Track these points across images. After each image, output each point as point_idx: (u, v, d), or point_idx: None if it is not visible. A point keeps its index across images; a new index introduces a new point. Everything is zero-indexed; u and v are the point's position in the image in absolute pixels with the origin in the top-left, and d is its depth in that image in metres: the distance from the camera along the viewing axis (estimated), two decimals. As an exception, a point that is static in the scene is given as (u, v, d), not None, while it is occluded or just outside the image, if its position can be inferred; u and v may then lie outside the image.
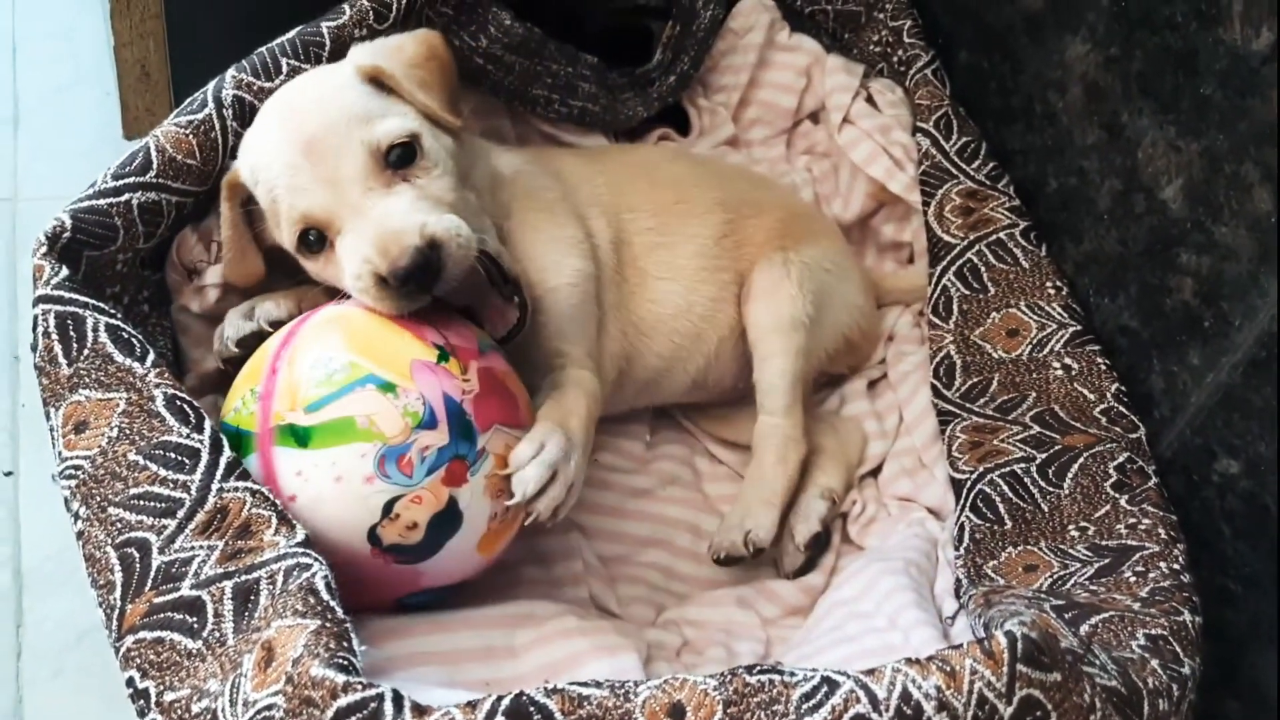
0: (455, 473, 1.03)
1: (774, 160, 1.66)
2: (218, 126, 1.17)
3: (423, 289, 1.06)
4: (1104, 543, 1.18)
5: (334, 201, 1.08)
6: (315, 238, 1.10)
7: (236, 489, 0.97)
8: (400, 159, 1.10)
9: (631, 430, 1.42)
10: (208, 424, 1.01)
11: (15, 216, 1.65)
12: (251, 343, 1.13)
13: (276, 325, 1.13)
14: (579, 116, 1.53)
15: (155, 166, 1.13)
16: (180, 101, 1.50)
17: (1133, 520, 1.19)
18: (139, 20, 1.42)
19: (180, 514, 0.96)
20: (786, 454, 1.35)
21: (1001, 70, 1.55)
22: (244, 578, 0.92)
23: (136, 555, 0.94)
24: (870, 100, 1.63)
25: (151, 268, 1.18)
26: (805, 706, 0.80)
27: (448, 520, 1.04)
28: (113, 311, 1.05)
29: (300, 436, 1.01)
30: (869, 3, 1.69)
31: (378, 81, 1.15)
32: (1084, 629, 1.01)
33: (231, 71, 1.20)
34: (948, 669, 0.81)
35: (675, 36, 1.59)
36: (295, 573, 0.90)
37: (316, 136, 1.09)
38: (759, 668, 0.82)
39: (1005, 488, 1.25)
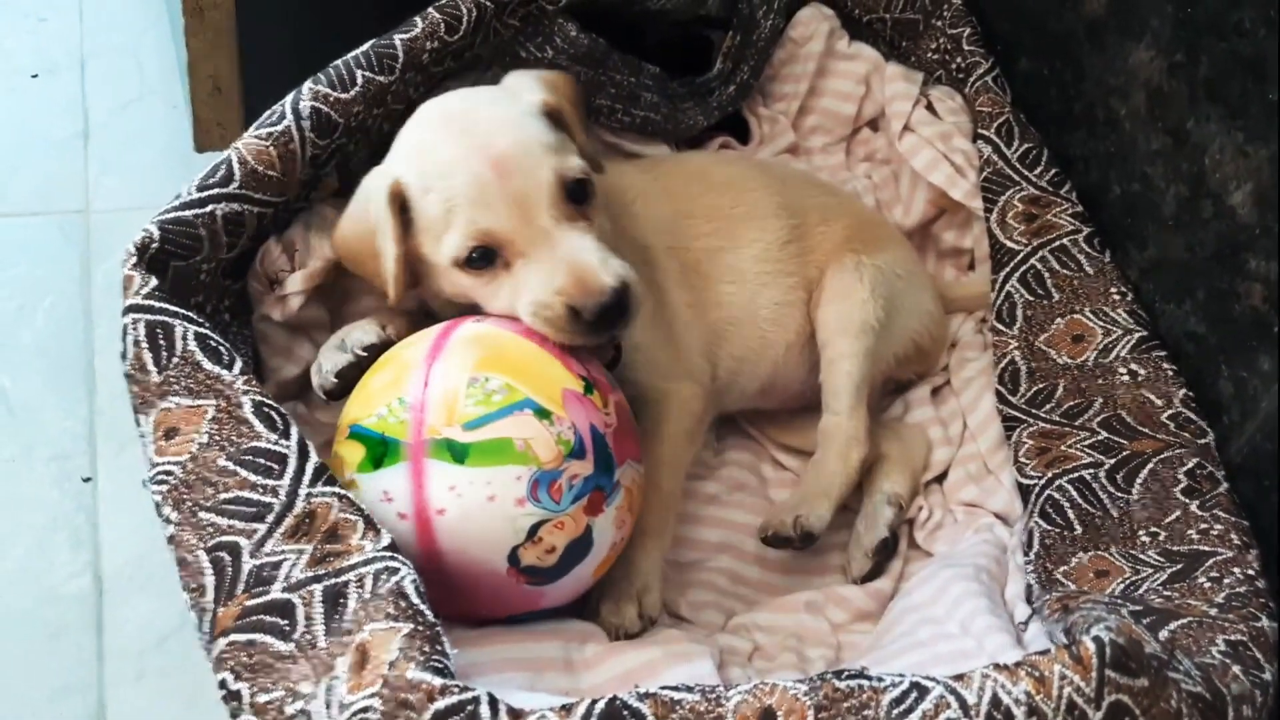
0: (595, 503, 1.07)
1: (834, 168, 1.67)
2: (296, 138, 1.19)
3: (610, 327, 1.10)
4: (1176, 548, 1.18)
5: (521, 223, 1.10)
6: (481, 255, 1.12)
7: (324, 494, 0.99)
8: (580, 195, 1.13)
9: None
10: (294, 430, 1.03)
11: (89, 228, 1.68)
12: (350, 374, 1.16)
13: (371, 351, 1.16)
14: (641, 126, 1.54)
15: (238, 178, 1.16)
16: (251, 116, 1.54)
17: (1204, 526, 1.19)
18: (212, 36, 1.45)
19: (270, 518, 0.98)
20: (848, 452, 1.35)
21: (1063, 77, 1.55)
22: (333, 581, 0.93)
23: (228, 559, 0.96)
24: (930, 108, 1.64)
25: (232, 277, 1.20)
26: (896, 712, 0.81)
27: (582, 547, 1.07)
28: (200, 320, 1.07)
29: (457, 453, 1.03)
30: (927, 10, 1.69)
31: (554, 116, 1.18)
32: (1163, 634, 1.01)
33: (309, 84, 1.22)
34: (1037, 675, 0.81)
35: (735, 46, 1.60)
36: (384, 576, 0.92)
37: (508, 155, 1.11)
38: (847, 673, 0.83)
39: (1074, 493, 1.25)
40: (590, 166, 1.18)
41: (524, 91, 1.19)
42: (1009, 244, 1.49)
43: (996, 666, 0.82)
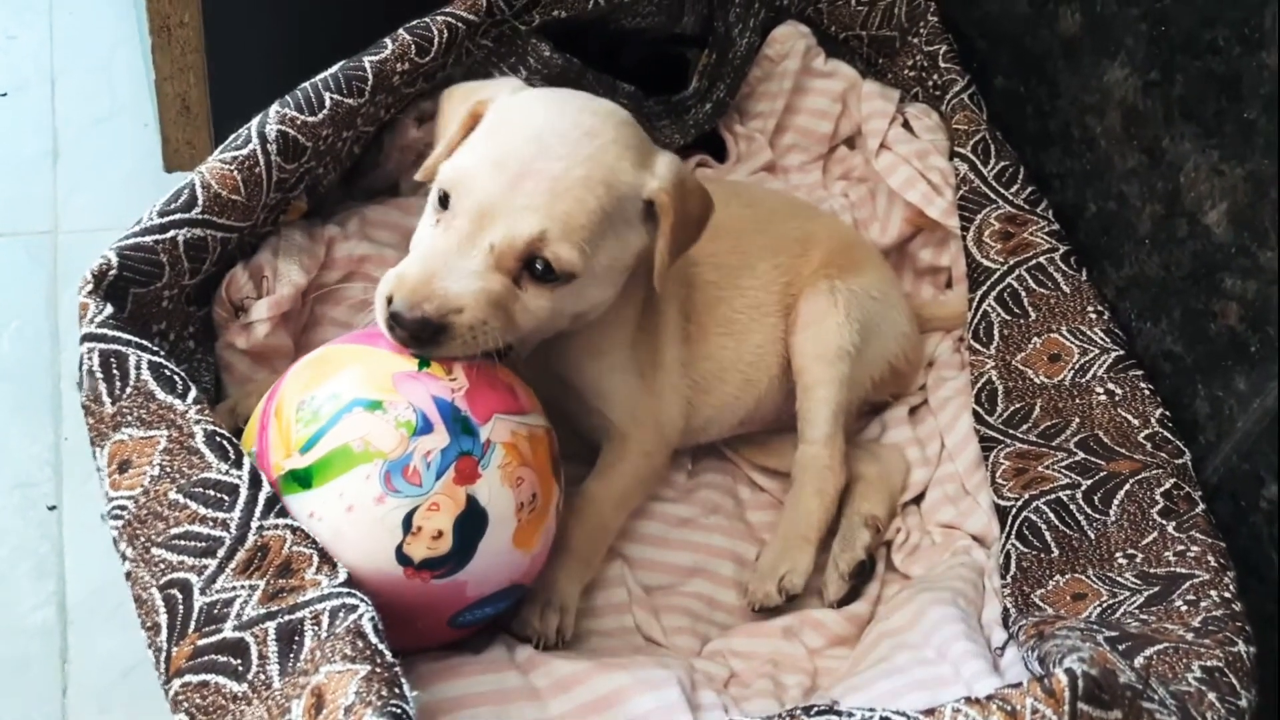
0: (465, 470, 1.02)
1: (811, 186, 1.66)
2: (262, 162, 1.17)
3: (418, 343, 1.05)
4: (1153, 570, 1.17)
5: (474, 215, 1.06)
6: (444, 200, 1.08)
7: (276, 526, 0.97)
8: (541, 273, 1.08)
9: (674, 459, 1.41)
10: (247, 460, 1.01)
11: (56, 249, 1.66)
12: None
13: None
14: (616, 146, 1.53)
15: (201, 203, 1.14)
16: (221, 135, 1.53)
17: (1181, 548, 1.18)
18: (180, 54, 1.43)
19: (221, 553, 0.96)
20: (824, 485, 1.34)
21: (1038, 95, 1.55)
22: (287, 618, 0.91)
23: (179, 596, 0.94)
24: (907, 125, 1.63)
25: (197, 304, 1.18)
26: (864, 747, 0.79)
27: (472, 520, 1.02)
28: (155, 349, 1.05)
29: (302, 479, 1.00)
30: (903, 28, 1.68)
31: (646, 205, 1.15)
32: (1138, 661, 1.00)
33: (275, 107, 1.20)
34: (1009, 709, 0.80)
35: (711, 64, 1.59)
36: (341, 614, 0.90)
37: (539, 179, 1.07)
38: (816, 708, 0.81)
39: (1051, 515, 1.24)
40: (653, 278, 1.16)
41: (633, 170, 1.13)
42: (985, 262, 1.49)
43: (968, 700, 0.81)
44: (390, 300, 1.05)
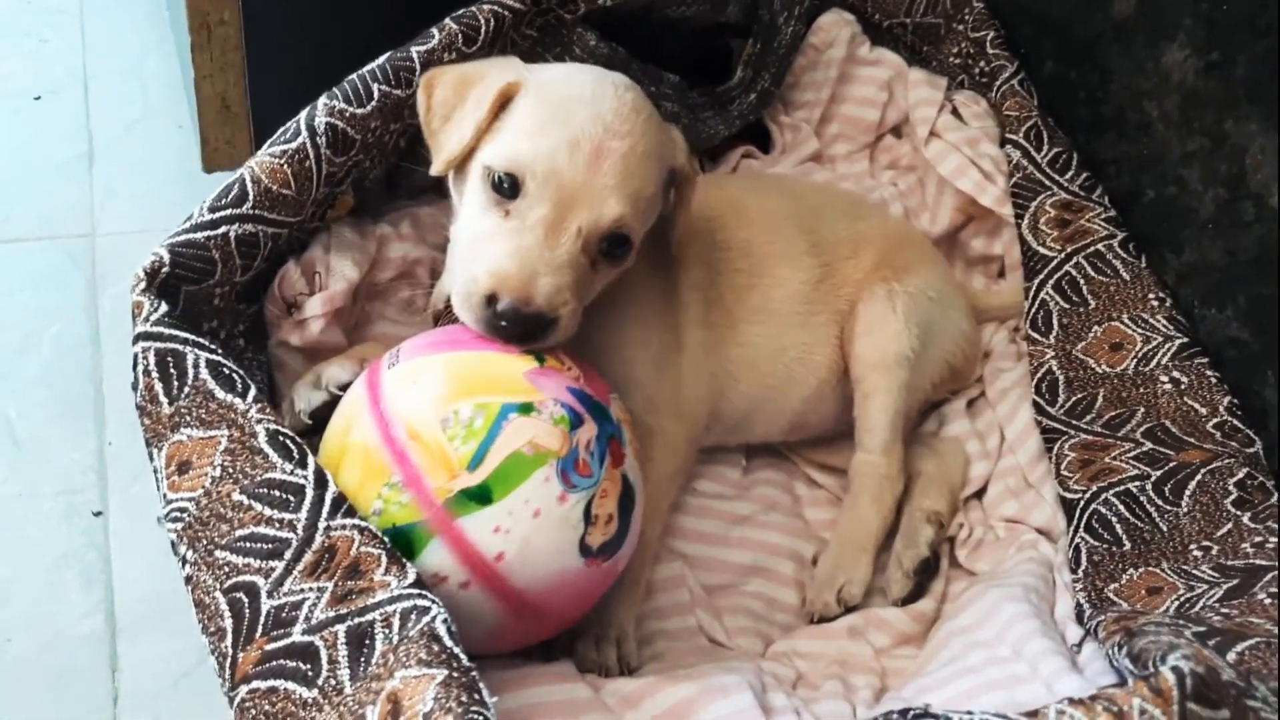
0: (616, 452, 1.04)
1: (858, 176, 1.63)
2: (311, 155, 1.15)
3: (519, 339, 1.04)
4: (1230, 563, 1.14)
5: (555, 201, 1.05)
6: (509, 185, 1.06)
7: (344, 526, 0.95)
8: (614, 251, 1.09)
9: (728, 456, 1.39)
10: (311, 459, 0.98)
11: (94, 253, 1.64)
12: (324, 413, 1.10)
13: (345, 389, 1.09)
14: (661, 137, 1.50)
15: (251, 197, 1.11)
16: (260, 133, 1.51)
17: (1259, 539, 1.15)
18: (219, 53, 1.40)
19: (287, 555, 0.93)
20: (882, 493, 1.31)
21: (1090, 80, 1.51)
22: (357, 620, 0.89)
23: (245, 600, 0.92)
24: (955, 113, 1.60)
25: (247, 301, 1.16)
26: (967, 751, 0.76)
27: (628, 500, 1.05)
28: (213, 347, 1.02)
29: (480, 495, 0.97)
30: (948, 14, 1.65)
31: (676, 173, 1.15)
32: (1230, 657, 0.96)
33: (324, 99, 1.18)
34: (1115, 709, 0.77)
35: (756, 53, 1.56)
36: (414, 617, 0.87)
37: (613, 158, 1.06)
38: (913, 712, 0.78)
39: (1121, 507, 1.21)
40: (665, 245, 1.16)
41: (665, 139, 1.14)
42: (1042, 250, 1.45)
43: (1072, 701, 0.78)
44: (491, 299, 1.03)
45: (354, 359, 1.15)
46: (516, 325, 1.03)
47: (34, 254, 1.63)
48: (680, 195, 1.17)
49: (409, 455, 0.98)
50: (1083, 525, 1.22)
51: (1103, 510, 1.22)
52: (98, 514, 1.37)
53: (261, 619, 0.90)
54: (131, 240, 1.65)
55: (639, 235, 1.11)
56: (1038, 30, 1.60)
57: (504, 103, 1.10)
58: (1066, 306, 1.41)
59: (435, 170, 1.13)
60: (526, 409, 1.00)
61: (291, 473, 0.97)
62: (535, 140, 1.06)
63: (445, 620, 0.86)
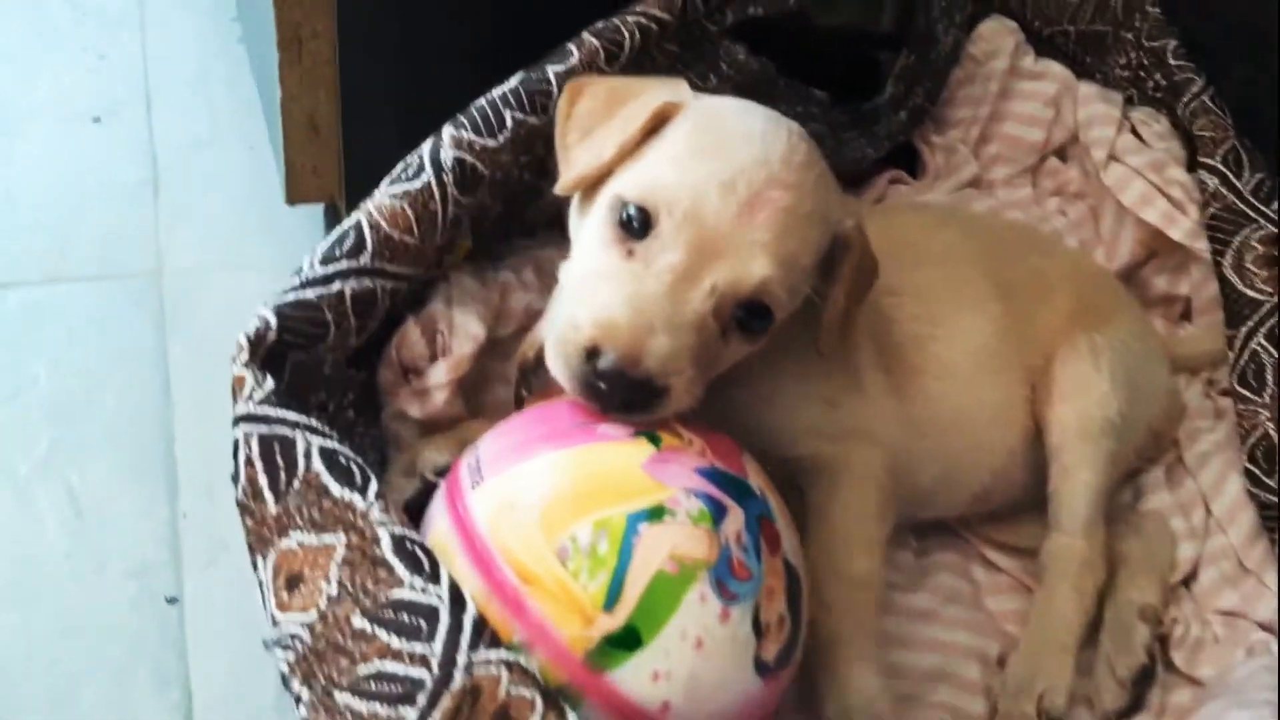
0: (771, 535, 0.86)
1: (1022, 203, 1.44)
2: (437, 196, 0.96)
3: (620, 407, 0.86)
4: None
5: (695, 246, 0.86)
6: (640, 221, 0.87)
7: (489, 661, 0.76)
8: (752, 323, 0.90)
9: (897, 535, 1.19)
10: (445, 573, 0.80)
11: (161, 292, 1.47)
12: (419, 501, 0.92)
13: (444, 474, 0.91)
14: (806, 163, 1.32)
15: (370, 246, 0.93)
16: (350, 161, 1.33)
17: None
18: (310, 68, 1.23)
19: (422, 700, 0.74)
20: (1083, 583, 1.12)
21: (1291, 93, 1.32)
22: (514, 784, 0.71)
23: (375, 759, 0.74)
24: (1134, 133, 1.41)
25: (357, 366, 0.98)
26: None
27: (795, 588, 0.86)
28: (327, 431, 0.84)
29: (627, 640, 0.78)
30: (1117, 21, 1.46)
31: (839, 241, 0.95)
32: None
33: (449, 129, 0.99)
34: None
35: (910, 66, 1.37)
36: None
37: (769, 209, 0.87)
38: None
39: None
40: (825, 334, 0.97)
41: (836, 202, 0.95)
42: (1250, 293, 1.26)
43: None
44: (592, 353, 0.84)
45: (455, 440, 0.97)
46: (618, 389, 0.84)
47: (95, 294, 1.45)
48: (841, 272, 0.96)
49: (527, 605, 0.79)
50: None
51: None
52: (172, 600, 1.19)
53: (397, 785, 0.72)
54: (202, 277, 1.48)
55: (784, 310, 0.91)
56: (1224, 38, 1.41)
57: (658, 125, 0.92)
58: (1283, 359, 1.22)
59: (560, 188, 0.94)
60: (657, 514, 0.81)
61: (423, 589, 0.78)
62: (682, 170, 0.88)
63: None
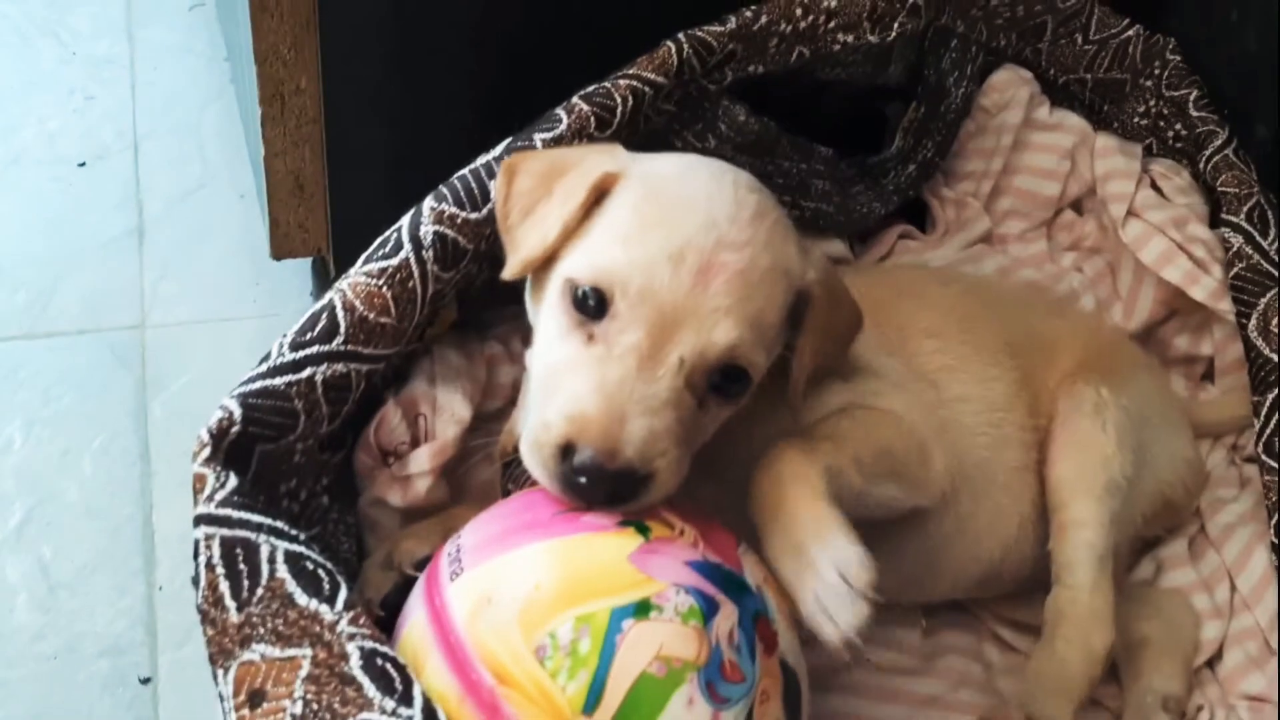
0: (767, 635, 0.80)
1: (1036, 259, 1.38)
2: (416, 273, 0.92)
3: (603, 499, 0.81)
4: None
5: (654, 321, 0.82)
6: (595, 302, 0.83)
7: (467, 791, 0.71)
8: (727, 387, 0.86)
9: (905, 615, 1.14)
10: (417, 690, 0.74)
11: (144, 347, 1.42)
12: (395, 598, 0.88)
13: (422, 568, 0.86)
14: (811, 220, 1.26)
15: (343, 330, 0.88)
16: (338, 217, 1.29)
17: None
18: (294, 125, 1.18)
19: (396, 839, 0.70)
20: (1090, 637, 1.03)
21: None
22: None
23: None
24: (1154, 186, 1.35)
25: (332, 450, 0.93)
26: None
27: (793, 691, 0.82)
28: (293, 533, 0.79)
29: None
30: (1136, 69, 1.41)
31: (801, 295, 0.90)
32: None
33: (429, 203, 0.94)
34: None
35: (920, 119, 1.32)
36: None
37: (724, 273, 0.83)
38: None
39: None
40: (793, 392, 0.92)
41: (794, 253, 0.90)
42: (1277, 358, 1.20)
43: None
44: (567, 450, 0.80)
45: (438, 528, 0.93)
46: (600, 484, 0.80)
47: (75, 350, 1.40)
48: (806, 325, 0.91)
49: (502, 708, 0.74)
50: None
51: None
52: (145, 681, 1.14)
53: None
54: (187, 332, 1.43)
55: (759, 369, 0.87)
56: (1245, 88, 1.36)
57: (599, 197, 0.88)
58: (1311, 428, 1.16)
59: (508, 273, 0.90)
60: (644, 609, 0.76)
61: (393, 713, 0.73)
62: (629, 248, 0.84)
63: None
